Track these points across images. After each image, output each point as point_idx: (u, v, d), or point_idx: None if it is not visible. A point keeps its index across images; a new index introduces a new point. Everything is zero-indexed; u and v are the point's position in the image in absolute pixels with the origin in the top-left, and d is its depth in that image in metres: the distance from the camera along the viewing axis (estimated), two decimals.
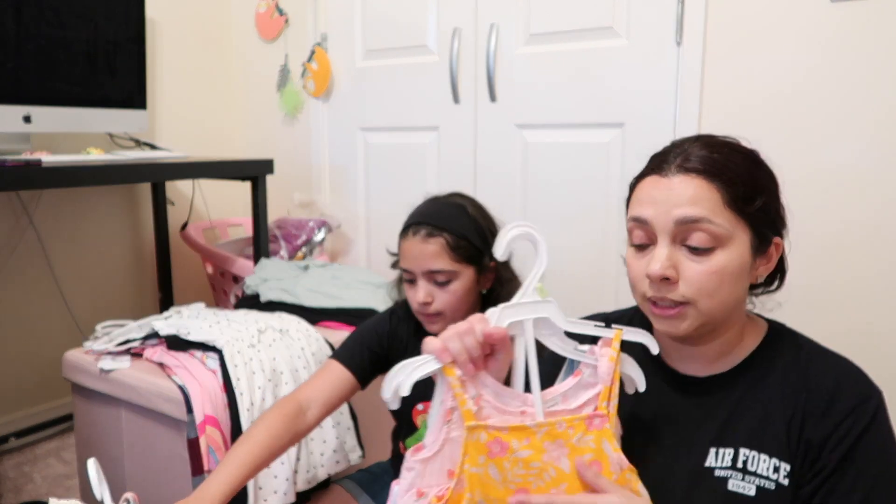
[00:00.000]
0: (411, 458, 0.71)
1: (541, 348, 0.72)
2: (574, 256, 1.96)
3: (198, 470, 1.28)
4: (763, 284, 0.81)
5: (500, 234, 0.70)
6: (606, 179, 1.88)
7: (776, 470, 0.73)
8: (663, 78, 1.77)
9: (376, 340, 1.26)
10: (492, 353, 0.71)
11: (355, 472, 1.41)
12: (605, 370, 0.72)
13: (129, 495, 0.81)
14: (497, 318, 0.71)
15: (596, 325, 0.74)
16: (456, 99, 2.12)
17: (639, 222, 0.76)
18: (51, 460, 2.01)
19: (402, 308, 1.29)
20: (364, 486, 1.35)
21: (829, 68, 1.55)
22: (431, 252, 1.16)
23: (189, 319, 1.55)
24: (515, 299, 0.71)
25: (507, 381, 0.73)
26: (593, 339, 0.75)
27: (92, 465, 0.82)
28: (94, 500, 0.82)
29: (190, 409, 1.30)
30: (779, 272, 0.81)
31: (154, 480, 1.42)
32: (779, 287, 0.82)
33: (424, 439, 0.71)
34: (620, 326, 0.74)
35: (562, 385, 0.73)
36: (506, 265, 1.23)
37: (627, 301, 0.86)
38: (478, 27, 2.05)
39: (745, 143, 0.78)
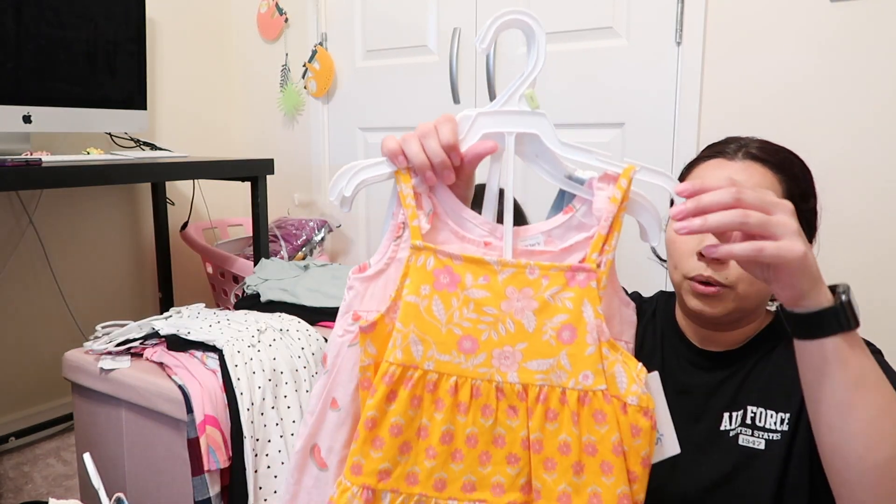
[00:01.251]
0: (352, 277, 0.60)
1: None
2: None
3: (198, 470, 1.28)
4: None
5: (487, 22, 0.55)
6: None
7: (782, 422, 0.74)
8: (663, 78, 1.77)
9: None
10: (459, 167, 0.59)
11: None
12: (602, 210, 0.56)
13: (119, 495, 0.81)
14: (471, 124, 0.57)
15: (600, 157, 0.58)
16: (456, 99, 2.12)
17: None
18: (51, 460, 2.01)
19: None
20: None
21: (829, 68, 1.55)
22: None
23: (189, 319, 1.55)
24: (496, 104, 0.56)
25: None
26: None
27: (89, 460, 0.82)
28: (94, 499, 0.82)
29: (190, 409, 1.30)
30: None
31: (154, 480, 1.42)
32: None
33: (372, 257, 0.61)
34: (635, 163, 0.58)
35: (547, 222, 0.59)
36: None
37: None
38: (478, 27, 2.05)
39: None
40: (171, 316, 1.61)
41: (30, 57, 1.84)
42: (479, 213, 0.60)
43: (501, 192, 0.59)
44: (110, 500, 0.80)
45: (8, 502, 1.80)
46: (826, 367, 0.56)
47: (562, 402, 0.56)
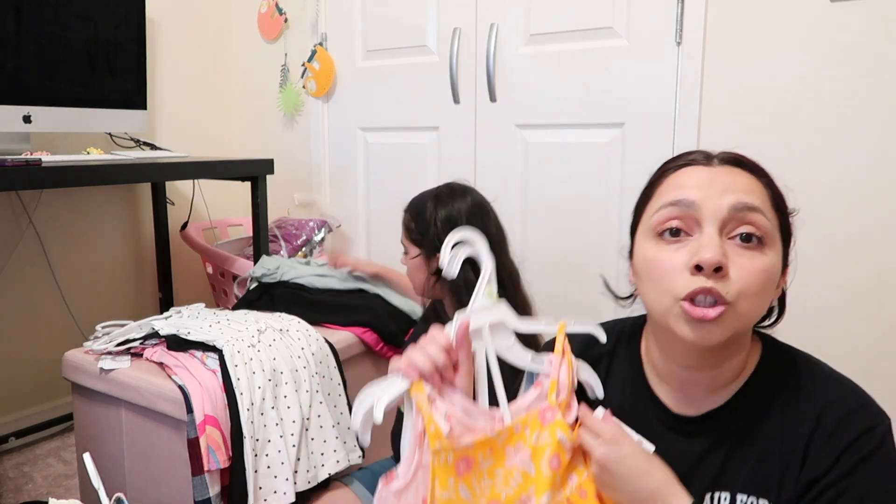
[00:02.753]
0: (383, 490, 0.67)
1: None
2: (574, 256, 1.96)
3: (198, 470, 1.28)
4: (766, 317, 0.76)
5: (443, 247, 0.71)
6: (606, 179, 1.88)
7: None
8: (663, 78, 1.77)
9: (423, 322, 1.45)
10: (456, 365, 0.69)
11: (356, 471, 1.41)
12: (551, 364, 0.71)
13: (119, 495, 0.81)
14: (454, 323, 0.70)
15: (546, 323, 0.73)
16: (456, 99, 2.12)
17: (680, 206, 0.67)
18: (51, 460, 2.01)
19: (428, 309, 1.46)
20: (365, 484, 1.35)
21: (830, 68, 1.55)
22: (402, 225, 1.39)
23: (189, 319, 1.55)
24: (468, 307, 0.70)
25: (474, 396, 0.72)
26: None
27: (89, 460, 0.82)
28: (94, 499, 0.82)
29: (190, 409, 1.30)
30: (780, 303, 0.76)
31: (154, 480, 1.42)
32: (777, 320, 0.77)
33: (398, 468, 0.67)
34: (565, 321, 0.73)
35: (525, 398, 0.71)
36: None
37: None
38: (478, 27, 2.05)
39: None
40: (171, 316, 1.61)
41: (30, 57, 1.84)
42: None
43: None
44: (110, 500, 0.80)
45: (8, 502, 1.80)
46: None
47: None
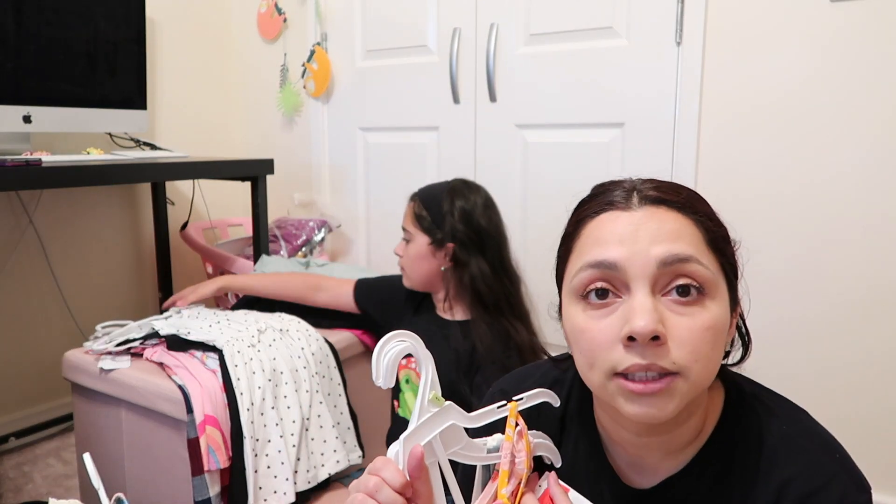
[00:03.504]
0: None
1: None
2: None
3: (198, 470, 1.28)
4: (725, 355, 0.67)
5: (374, 356, 0.59)
6: (606, 179, 1.88)
7: None
8: (663, 78, 1.77)
9: (388, 294, 1.55)
10: (415, 496, 0.57)
11: (356, 472, 1.41)
12: (503, 453, 0.62)
13: (119, 495, 0.82)
14: (402, 450, 0.60)
15: (498, 408, 0.63)
16: (456, 99, 2.12)
17: (603, 268, 0.58)
18: (51, 460, 2.01)
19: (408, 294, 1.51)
20: None
21: (830, 68, 1.55)
22: (406, 212, 1.42)
23: (189, 319, 1.55)
24: (412, 423, 0.61)
25: None
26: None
27: (89, 460, 0.82)
28: (94, 499, 0.82)
29: (190, 409, 1.30)
30: (743, 340, 0.68)
31: (154, 480, 1.42)
32: (744, 358, 0.68)
33: None
34: (519, 398, 0.64)
35: (486, 492, 0.65)
36: (467, 249, 1.39)
37: None
38: (478, 27, 2.05)
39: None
40: (170, 316, 1.61)
41: (30, 57, 1.84)
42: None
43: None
44: (110, 500, 0.80)
45: (8, 502, 1.80)
46: None
47: None
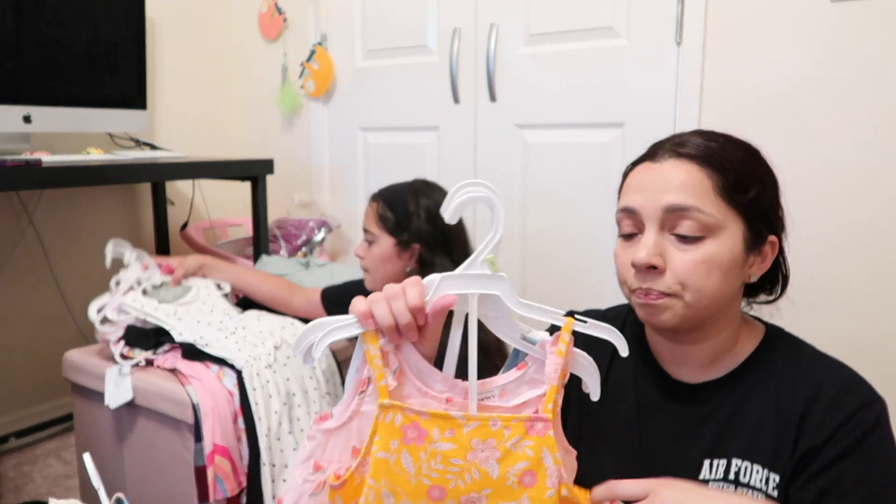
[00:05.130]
0: (314, 427, 0.63)
1: (484, 342, 0.63)
2: (573, 256, 1.96)
3: (203, 497, 1.28)
4: (763, 291, 0.79)
5: (449, 194, 0.60)
6: (606, 179, 1.88)
7: (767, 481, 0.69)
8: (663, 78, 1.77)
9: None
10: (424, 325, 0.62)
11: None
12: (552, 367, 0.61)
13: (119, 495, 0.81)
14: (436, 287, 0.61)
15: (553, 312, 0.64)
16: (456, 99, 2.12)
17: (627, 212, 0.73)
18: (51, 460, 2.01)
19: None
20: None
21: (829, 68, 1.55)
22: (368, 213, 1.39)
23: (203, 322, 1.48)
24: (461, 269, 0.61)
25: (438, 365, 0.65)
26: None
27: (89, 460, 0.82)
28: (94, 499, 0.82)
29: (199, 438, 1.28)
30: (780, 277, 0.79)
31: (154, 480, 1.42)
32: (781, 294, 0.80)
33: (333, 408, 0.64)
34: (585, 319, 0.64)
35: (502, 377, 0.64)
36: (432, 249, 1.34)
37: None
38: (478, 27, 2.05)
39: (750, 142, 0.76)
40: (185, 296, 1.53)
41: (30, 57, 1.84)
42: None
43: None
44: (110, 500, 0.80)
45: (8, 502, 1.80)
46: None
47: None
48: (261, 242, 2.08)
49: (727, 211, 0.70)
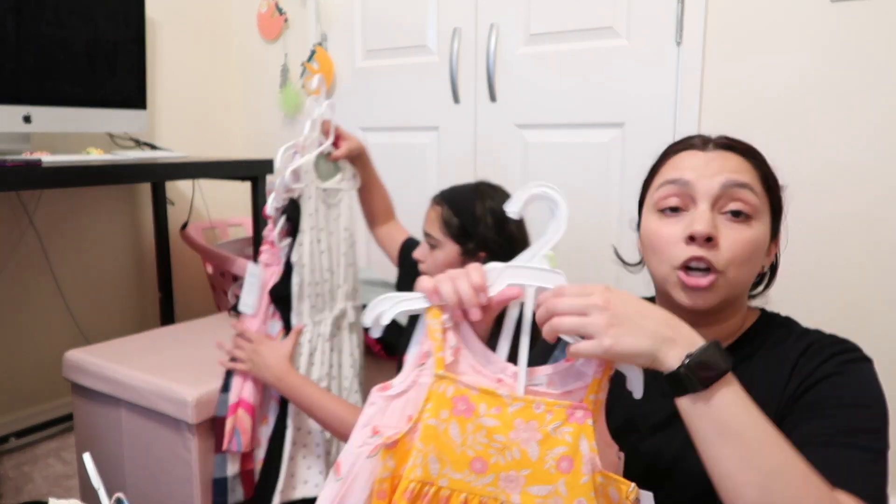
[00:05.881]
0: (375, 393, 0.67)
1: (535, 333, 0.66)
2: (573, 256, 1.96)
3: (219, 447, 1.30)
4: (755, 284, 0.83)
5: (518, 191, 0.67)
6: (606, 179, 1.88)
7: None
8: (663, 78, 1.77)
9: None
10: (485, 309, 0.67)
11: None
12: (597, 361, 0.64)
13: (119, 495, 0.81)
14: (498, 275, 0.65)
15: None
16: (456, 99, 2.12)
17: (677, 184, 0.75)
18: (51, 460, 2.01)
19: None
20: None
21: (830, 68, 1.55)
22: (431, 218, 1.33)
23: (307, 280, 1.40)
24: (520, 261, 0.66)
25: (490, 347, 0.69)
26: None
27: (89, 460, 0.82)
28: (94, 499, 0.82)
29: (226, 388, 1.31)
30: (770, 273, 0.84)
31: (154, 480, 1.42)
32: (767, 286, 0.85)
33: (395, 379, 0.68)
34: None
35: (552, 366, 0.67)
36: (497, 258, 1.28)
37: None
38: (478, 27, 2.05)
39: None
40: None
41: (30, 57, 1.84)
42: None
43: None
44: (110, 500, 0.80)
45: (8, 502, 1.80)
46: (687, 419, 0.61)
47: None
48: (261, 242, 2.08)
49: (765, 201, 0.75)
